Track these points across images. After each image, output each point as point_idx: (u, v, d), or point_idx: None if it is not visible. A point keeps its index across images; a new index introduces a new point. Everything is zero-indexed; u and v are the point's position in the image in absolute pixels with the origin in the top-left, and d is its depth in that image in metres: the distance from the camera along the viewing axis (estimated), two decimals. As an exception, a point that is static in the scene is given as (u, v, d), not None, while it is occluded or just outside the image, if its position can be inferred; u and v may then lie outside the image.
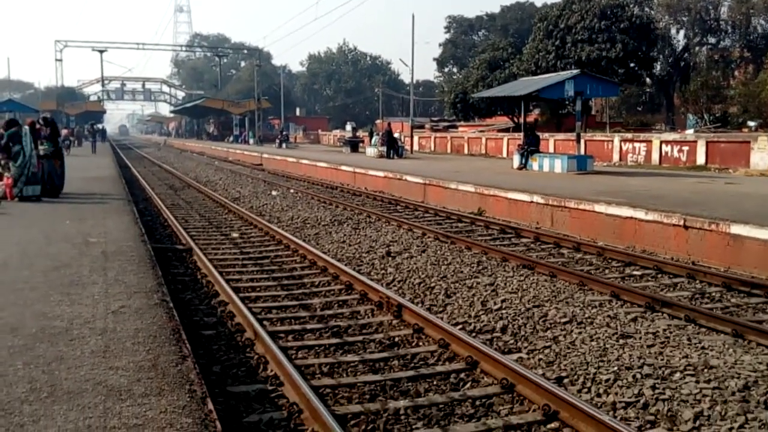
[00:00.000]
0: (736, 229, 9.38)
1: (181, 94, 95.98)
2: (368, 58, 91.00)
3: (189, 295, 7.93)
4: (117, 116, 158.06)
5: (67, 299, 5.96)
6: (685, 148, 23.95)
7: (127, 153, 50.17)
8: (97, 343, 4.79)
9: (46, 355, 4.54)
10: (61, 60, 69.50)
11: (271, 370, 5.38)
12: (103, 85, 77.49)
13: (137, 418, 3.60)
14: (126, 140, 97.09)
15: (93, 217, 11.47)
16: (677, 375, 5.20)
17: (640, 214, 11.06)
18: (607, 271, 9.28)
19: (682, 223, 10.25)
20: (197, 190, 21.13)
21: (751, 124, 33.54)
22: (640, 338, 6.13)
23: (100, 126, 60.58)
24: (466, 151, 37.90)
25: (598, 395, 4.93)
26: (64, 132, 35.57)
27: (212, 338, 6.28)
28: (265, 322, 6.68)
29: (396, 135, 34.80)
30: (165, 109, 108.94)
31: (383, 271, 9.12)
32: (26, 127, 14.23)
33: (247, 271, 9.32)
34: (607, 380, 5.13)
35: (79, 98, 79.90)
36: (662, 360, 5.54)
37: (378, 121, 58.46)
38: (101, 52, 71.77)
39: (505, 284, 8.16)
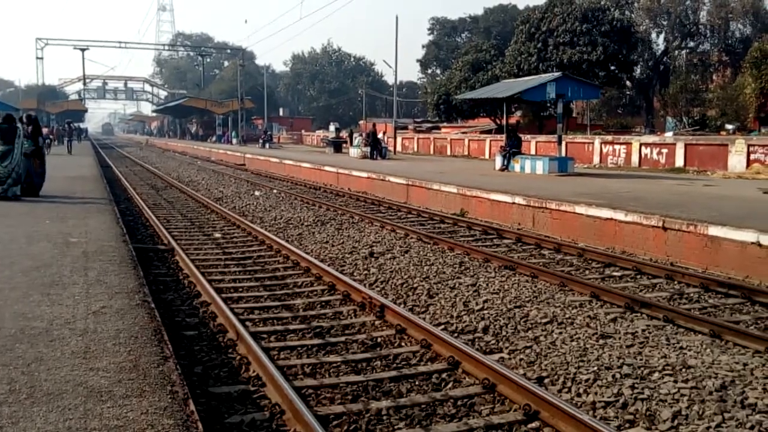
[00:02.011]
0: (714, 230, 9.52)
1: (163, 94, 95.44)
2: (352, 59, 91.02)
3: (171, 295, 7.88)
4: (99, 115, 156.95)
5: (48, 299, 5.90)
6: (665, 151, 24.24)
7: (109, 152, 49.64)
8: (77, 344, 4.75)
9: (25, 356, 4.50)
10: (42, 58, 68.97)
11: (254, 371, 5.38)
12: (84, 84, 76.73)
13: (118, 419, 3.58)
14: (108, 140, 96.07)
15: (74, 216, 11.35)
16: (656, 375, 5.27)
17: (620, 216, 11.18)
18: (587, 271, 9.37)
19: (661, 224, 10.38)
20: (179, 190, 20.99)
21: (729, 127, 34.04)
22: (620, 338, 6.21)
23: (78, 125, 59.31)
24: (448, 153, 38.03)
25: (578, 395, 4.99)
26: (44, 131, 34.70)
27: (194, 339, 6.25)
28: (247, 323, 6.67)
29: (379, 136, 34.82)
30: (147, 109, 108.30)
31: (366, 272, 9.13)
32: (20, 126, 13.71)
33: (229, 271, 9.28)
34: (587, 380, 5.19)
35: (60, 97, 79.11)
36: (641, 360, 5.62)
37: (361, 122, 58.42)
38: (83, 50, 71.07)
39: (487, 285, 8.21)
